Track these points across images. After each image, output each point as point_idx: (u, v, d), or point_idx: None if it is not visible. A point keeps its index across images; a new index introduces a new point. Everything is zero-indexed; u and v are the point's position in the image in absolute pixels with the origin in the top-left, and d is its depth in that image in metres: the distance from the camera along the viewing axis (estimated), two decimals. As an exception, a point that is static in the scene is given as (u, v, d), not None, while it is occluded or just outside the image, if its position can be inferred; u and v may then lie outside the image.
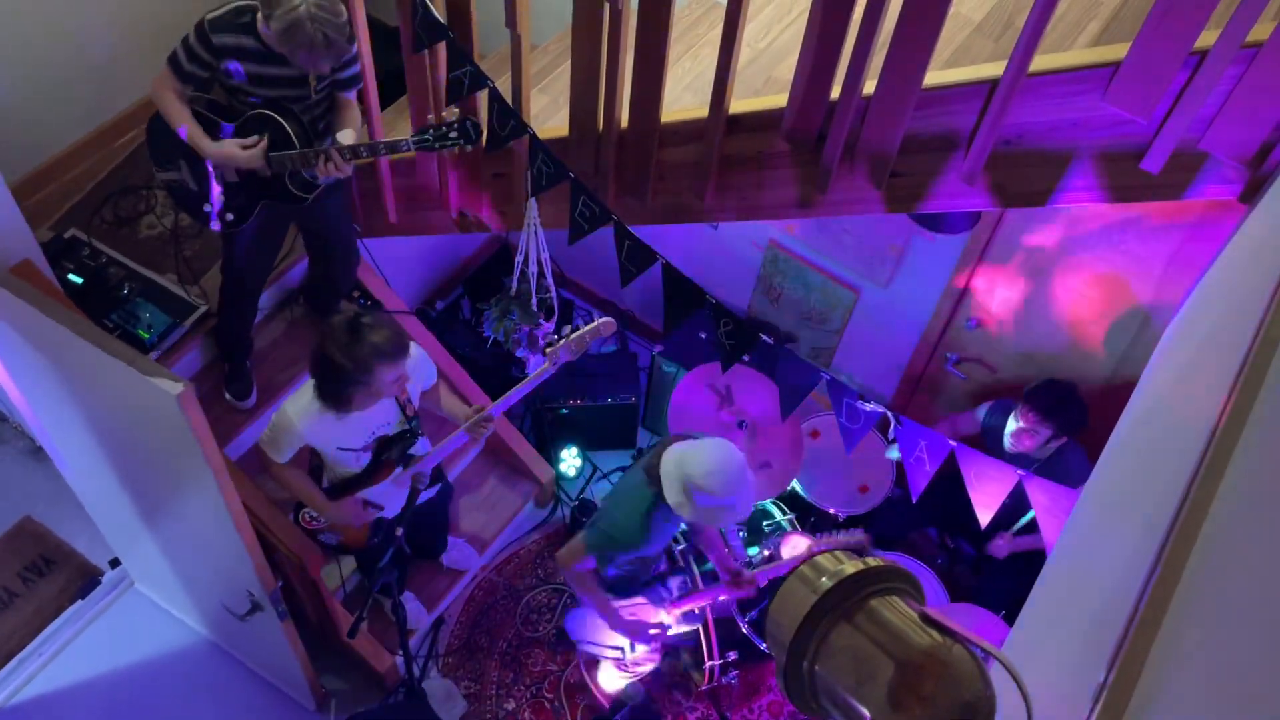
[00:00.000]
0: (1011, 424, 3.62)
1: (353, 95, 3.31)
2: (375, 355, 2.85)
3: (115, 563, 4.35)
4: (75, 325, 2.77)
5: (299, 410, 3.07)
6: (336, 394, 2.97)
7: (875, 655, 1.09)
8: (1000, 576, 4.01)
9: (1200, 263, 3.13)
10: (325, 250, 3.85)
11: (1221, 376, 1.78)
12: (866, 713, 1.08)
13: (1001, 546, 3.81)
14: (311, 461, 3.39)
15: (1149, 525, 1.58)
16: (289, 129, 3.16)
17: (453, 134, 3.03)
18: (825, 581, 1.13)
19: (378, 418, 3.20)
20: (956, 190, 2.73)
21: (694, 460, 3.12)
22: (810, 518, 4.25)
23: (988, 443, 3.97)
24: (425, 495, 3.52)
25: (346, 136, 3.20)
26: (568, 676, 4.23)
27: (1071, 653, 1.72)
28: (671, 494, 3.13)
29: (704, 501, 3.06)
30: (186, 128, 3.18)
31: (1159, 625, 1.23)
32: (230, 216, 3.39)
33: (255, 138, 3.18)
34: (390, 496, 3.45)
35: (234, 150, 3.18)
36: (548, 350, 3.18)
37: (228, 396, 4.01)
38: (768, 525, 4.14)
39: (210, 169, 3.30)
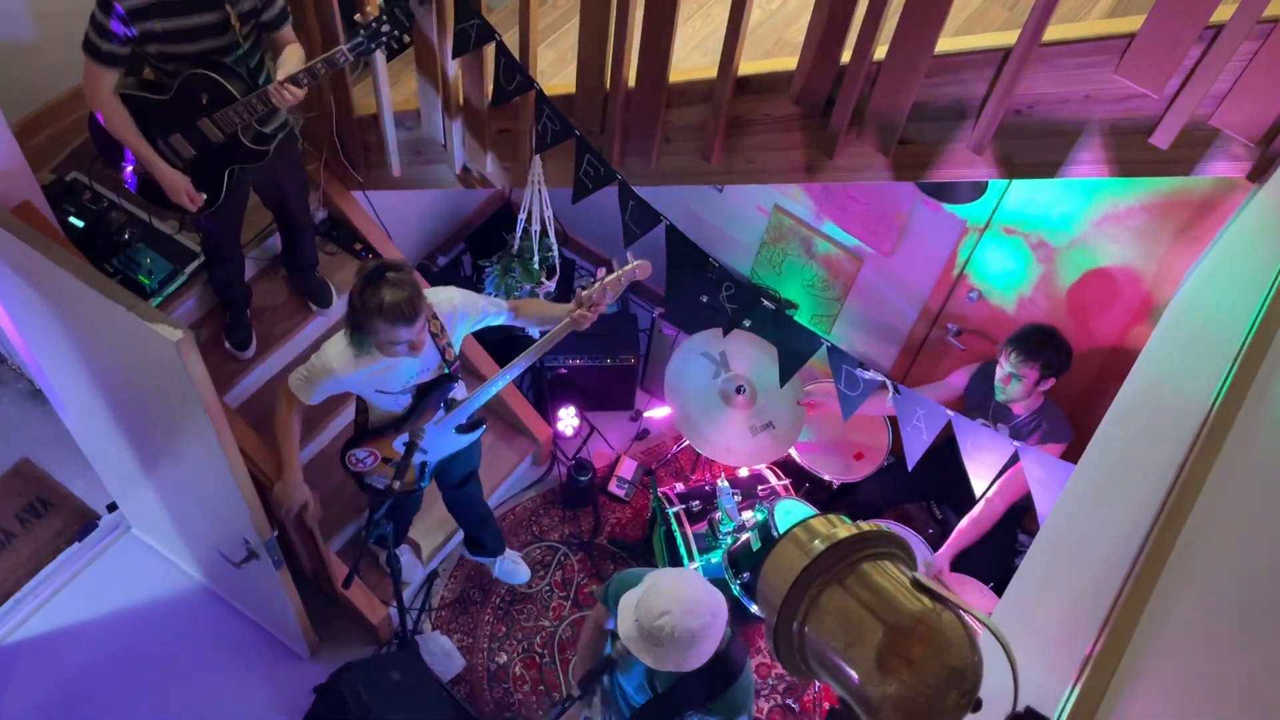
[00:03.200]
0: (1000, 370, 3.68)
1: (287, 31, 3.21)
2: (379, 311, 2.86)
3: (112, 507, 4.38)
4: (76, 268, 2.76)
5: (337, 354, 3.07)
6: (356, 331, 2.99)
7: (865, 618, 1.10)
8: (988, 547, 4.04)
9: (1204, 240, 3.12)
10: (287, 214, 3.83)
11: (1222, 354, 1.78)
12: (855, 675, 1.09)
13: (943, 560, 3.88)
14: (358, 404, 3.41)
15: (1143, 500, 1.59)
16: (229, 86, 3.11)
17: (385, 27, 2.98)
18: (818, 544, 1.14)
19: (415, 363, 3.18)
20: (964, 159, 2.71)
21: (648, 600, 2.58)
22: (804, 484, 4.27)
23: (969, 403, 3.98)
24: (469, 439, 3.53)
25: (284, 70, 3.10)
26: (560, 633, 4.27)
27: (1059, 624, 1.73)
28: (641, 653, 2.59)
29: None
30: (129, 143, 3.17)
31: (1147, 599, 1.24)
32: (204, 196, 3.36)
33: (202, 196, 3.28)
34: (432, 438, 3.43)
35: (181, 188, 3.25)
36: (582, 294, 3.10)
37: (227, 346, 4.01)
38: (762, 489, 4.16)
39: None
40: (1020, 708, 1.05)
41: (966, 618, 1.12)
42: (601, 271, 3.10)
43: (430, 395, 3.29)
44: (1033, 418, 3.74)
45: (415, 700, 3.68)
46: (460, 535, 4.33)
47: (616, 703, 2.99)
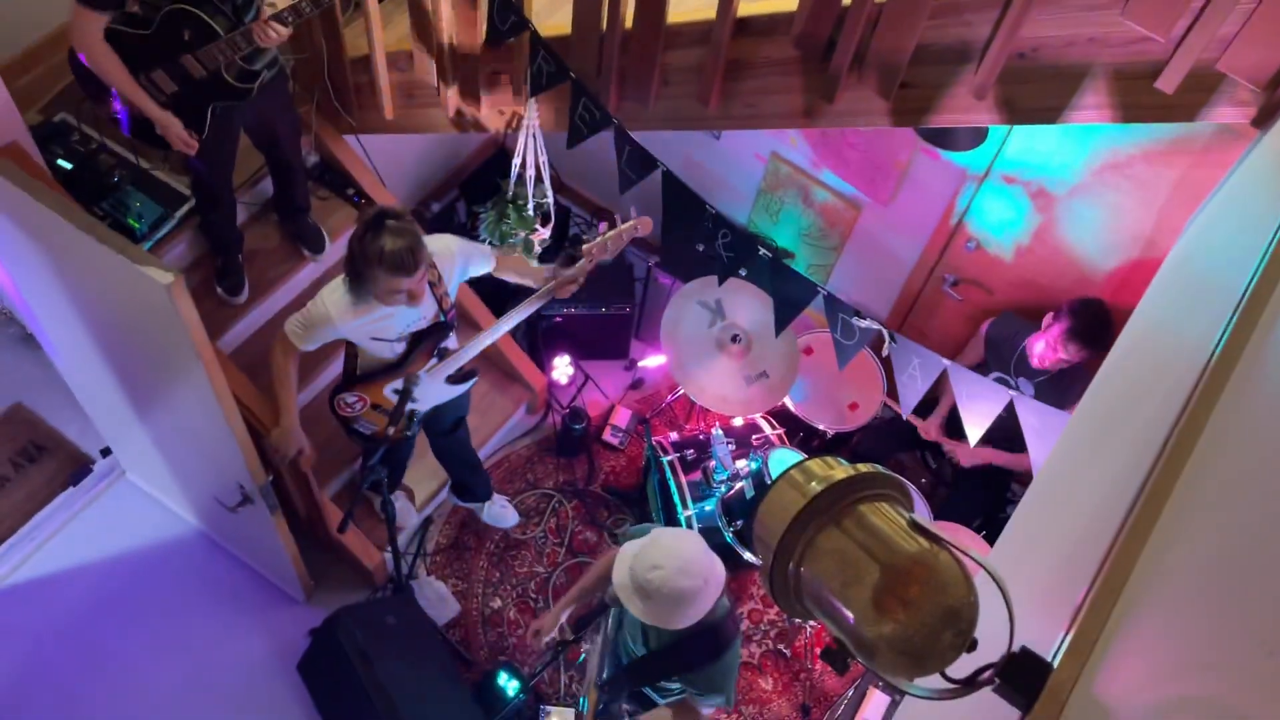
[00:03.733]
0: (1042, 350, 3.66)
1: None
2: (379, 259, 2.84)
3: (106, 451, 4.37)
4: (65, 211, 2.72)
5: (335, 301, 3.05)
6: (355, 280, 2.97)
7: (862, 559, 1.10)
8: (971, 490, 4.08)
9: (1205, 188, 3.09)
10: (278, 155, 3.78)
11: (1222, 303, 1.77)
12: (851, 615, 1.09)
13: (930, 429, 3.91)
14: (347, 349, 3.39)
15: (1139, 448, 1.58)
16: (212, 23, 3.06)
17: None
18: (814, 485, 1.14)
19: (413, 312, 3.17)
20: (966, 104, 2.68)
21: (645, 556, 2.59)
22: (799, 433, 4.28)
23: (990, 358, 3.98)
24: (452, 391, 3.52)
25: (271, 7, 3.07)
26: (555, 579, 4.30)
27: (1054, 571, 1.74)
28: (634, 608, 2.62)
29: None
30: (120, 88, 3.11)
31: (1143, 545, 1.24)
32: (198, 141, 3.31)
33: (196, 142, 3.24)
34: (424, 387, 3.42)
35: (175, 129, 3.20)
36: (585, 247, 3.11)
37: (220, 291, 3.98)
38: (757, 439, 4.16)
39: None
40: (1016, 648, 1.05)
41: (963, 559, 1.12)
42: (603, 226, 3.08)
43: (424, 343, 3.28)
44: (1061, 374, 3.71)
45: (410, 644, 3.71)
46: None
47: (615, 650, 3.01)
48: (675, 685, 2.89)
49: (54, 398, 4.34)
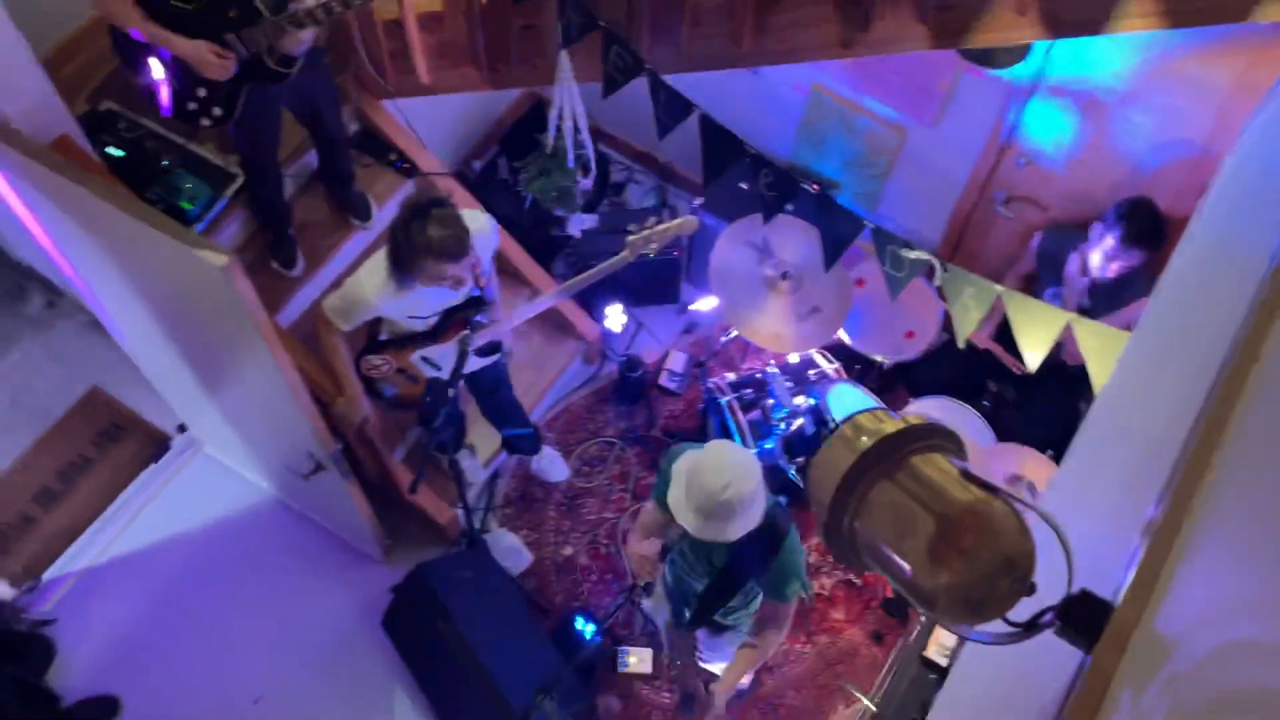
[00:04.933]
0: (1099, 250, 3.57)
1: None
2: (426, 247, 2.93)
3: (182, 428, 4.51)
4: (119, 201, 2.79)
5: (375, 285, 3.14)
6: (399, 267, 3.05)
7: (915, 511, 1.10)
8: (1037, 410, 4.03)
9: (1264, 87, 2.98)
10: (321, 129, 3.81)
11: None
12: (907, 567, 1.10)
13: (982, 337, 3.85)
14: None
15: (1203, 359, 1.55)
16: (258, 4, 3.06)
17: None
18: (865, 440, 1.14)
19: (450, 291, 3.24)
20: (1007, 21, 2.61)
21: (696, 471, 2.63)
22: (856, 365, 4.26)
23: (1040, 268, 3.91)
24: (480, 363, 3.57)
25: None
26: (623, 524, 4.37)
27: (1121, 491, 1.72)
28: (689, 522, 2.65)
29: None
30: (142, 28, 3.06)
31: (1212, 457, 1.22)
32: (218, 111, 3.33)
33: (231, 56, 3.13)
34: (450, 357, 3.49)
35: (207, 55, 3.10)
36: (630, 239, 3.18)
37: (275, 265, 4.06)
38: (813, 374, 4.15)
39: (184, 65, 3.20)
40: (1075, 590, 1.06)
41: (1017, 502, 1.12)
42: (651, 220, 3.15)
43: (457, 316, 3.37)
44: (1124, 278, 3.63)
45: (488, 595, 3.81)
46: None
47: (678, 597, 3.07)
48: (738, 604, 3.00)
49: (127, 378, 4.48)
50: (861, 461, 1.13)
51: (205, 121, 3.37)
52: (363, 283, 3.14)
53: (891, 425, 1.16)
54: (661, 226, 3.15)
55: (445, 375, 3.57)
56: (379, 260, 3.13)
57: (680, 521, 2.64)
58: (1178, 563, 1.05)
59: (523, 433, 4.21)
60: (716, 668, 3.41)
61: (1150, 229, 3.46)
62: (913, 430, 1.15)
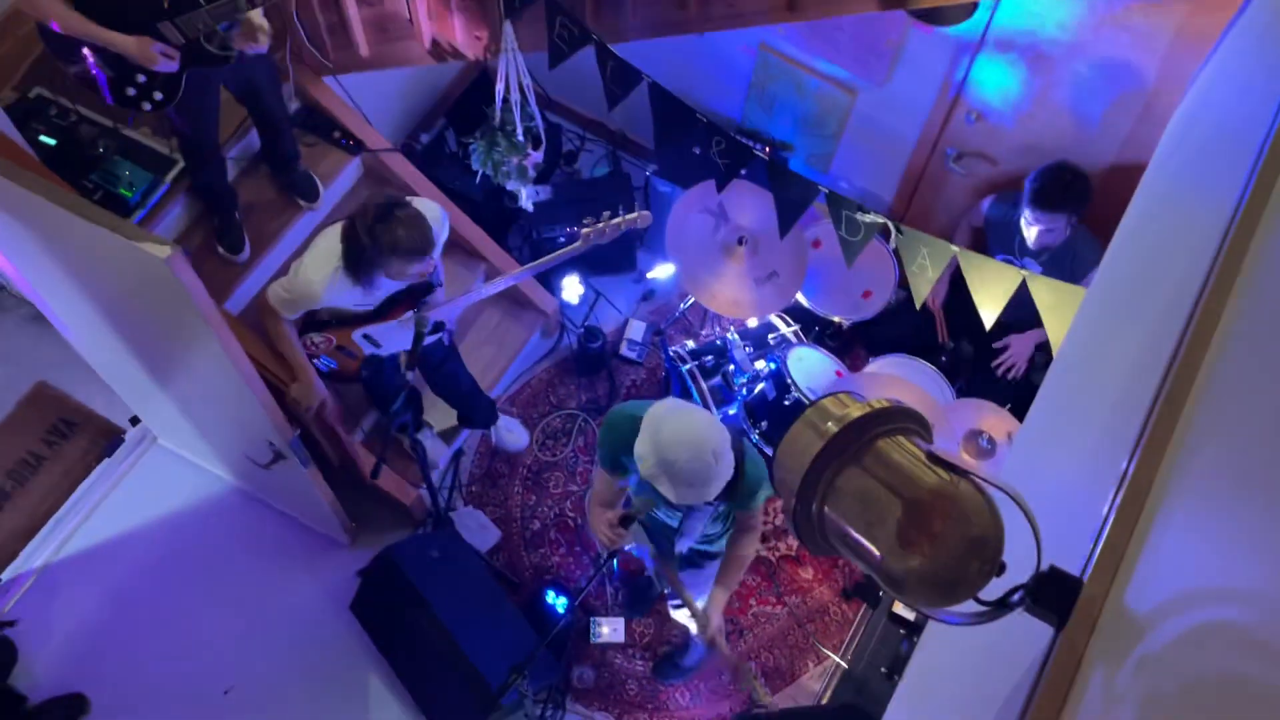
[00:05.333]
0: (1028, 229, 3.63)
1: None
2: (393, 247, 2.97)
3: (135, 420, 4.42)
4: (51, 194, 2.69)
5: (323, 279, 3.12)
6: (358, 266, 3.07)
7: (884, 496, 1.10)
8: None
9: (1210, 36, 2.99)
10: (261, 109, 3.73)
11: (1240, 158, 1.72)
12: (877, 552, 1.10)
13: (1019, 354, 3.91)
14: None
15: (1168, 309, 1.56)
16: None
17: None
18: (831, 426, 1.13)
19: (400, 282, 3.26)
20: (954, -19, 2.58)
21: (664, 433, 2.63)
22: (814, 327, 4.27)
23: (990, 237, 3.95)
24: (429, 340, 3.55)
25: None
26: (589, 496, 4.36)
27: (1090, 444, 1.73)
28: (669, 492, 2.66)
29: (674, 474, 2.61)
30: (78, 26, 2.98)
31: (1183, 406, 1.22)
32: (159, 96, 3.25)
33: (176, 51, 3.09)
34: (392, 335, 3.48)
35: (150, 52, 3.05)
36: (584, 231, 3.24)
37: (221, 251, 3.97)
38: (773, 338, 4.16)
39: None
40: (1045, 566, 1.06)
41: (983, 482, 1.12)
42: (606, 214, 3.23)
43: (402, 297, 3.36)
44: (1064, 249, 3.69)
45: (457, 573, 3.80)
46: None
47: (657, 531, 3.08)
48: (717, 531, 3.07)
49: (76, 372, 4.36)
50: (828, 448, 1.12)
51: (146, 106, 3.28)
52: (311, 279, 3.10)
53: (857, 409, 1.14)
54: (616, 220, 3.21)
55: (384, 352, 3.57)
56: (324, 253, 3.09)
57: (660, 491, 2.65)
58: (1145, 536, 1.05)
59: (477, 404, 4.18)
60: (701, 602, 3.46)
61: (1059, 191, 3.50)
62: (878, 414, 1.15)
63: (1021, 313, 3.00)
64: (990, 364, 4.04)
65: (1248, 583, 0.80)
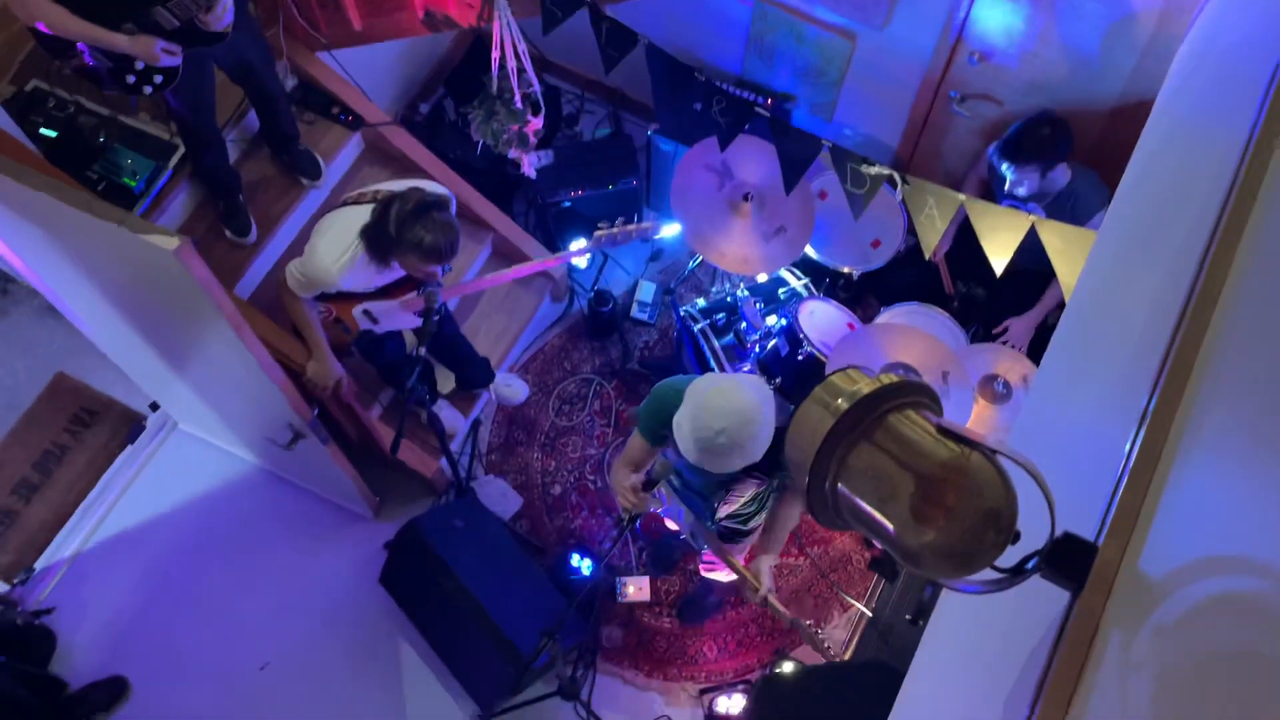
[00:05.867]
0: (1007, 176, 3.60)
1: None
2: (418, 246, 3.02)
3: (155, 406, 4.46)
4: (55, 190, 2.69)
5: (340, 266, 3.14)
6: (381, 250, 3.11)
7: (896, 472, 1.10)
8: (1009, 307, 4.06)
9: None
10: (256, 87, 3.73)
11: (1252, 84, 1.69)
12: (891, 527, 1.10)
13: (1019, 338, 3.90)
14: None
15: (1183, 247, 1.54)
16: None
17: None
18: (841, 403, 1.13)
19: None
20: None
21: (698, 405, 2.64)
22: (825, 279, 4.25)
23: (995, 182, 3.92)
24: (416, 321, 3.58)
25: None
26: (607, 458, 4.39)
27: (1106, 387, 1.72)
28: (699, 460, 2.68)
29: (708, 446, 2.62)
30: (83, 36, 3.03)
31: (1201, 344, 1.21)
32: (159, 79, 3.27)
33: (178, 47, 3.13)
34: (391, 314, 3.50)
35: (154, 51, 3.09)
36: (597, 234, 3.34)
37: (228, 234, 3.97)
38: (784, 292, 4.14)
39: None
40: (1059, 533, 1.07)
41: (995, 453, 1.12)
42: (620, 220, 3.36)
43: (409, 280, 3.39)
44: (1066, 193, 3.65)
45: (482, 541, 3.84)
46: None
47: (697, 500, 3.10)
48: (752, 509, 3.09)
49: (93, 361, 4.42)
50: (838, 426, 1.12)
51: (147, 89, 3.29)
52: (328, 266, 3.13)
53: (866, 385, 1.14)
54: (629, 227, 3.34)
55: (380, 329, 3.61)
56: (339, 237, 3.10)
57: (681, 449, 2.67)
58: (1160, 497, 1.05)
59: (473, 365, 4.21)
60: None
61: (1030, 144, 3.49)
62: (887, 389, 1.14)
63: (1030, 257, 2.98)
64: (1002, 300, 4.04)
65: (1264, 551, 0.80)
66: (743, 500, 3.04)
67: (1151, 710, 0.89)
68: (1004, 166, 3.56)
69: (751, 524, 3.19)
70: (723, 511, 3.11)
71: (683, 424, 2.66)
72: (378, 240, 3.07)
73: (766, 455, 2.73)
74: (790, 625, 3.06)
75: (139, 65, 3.20)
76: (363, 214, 3.12)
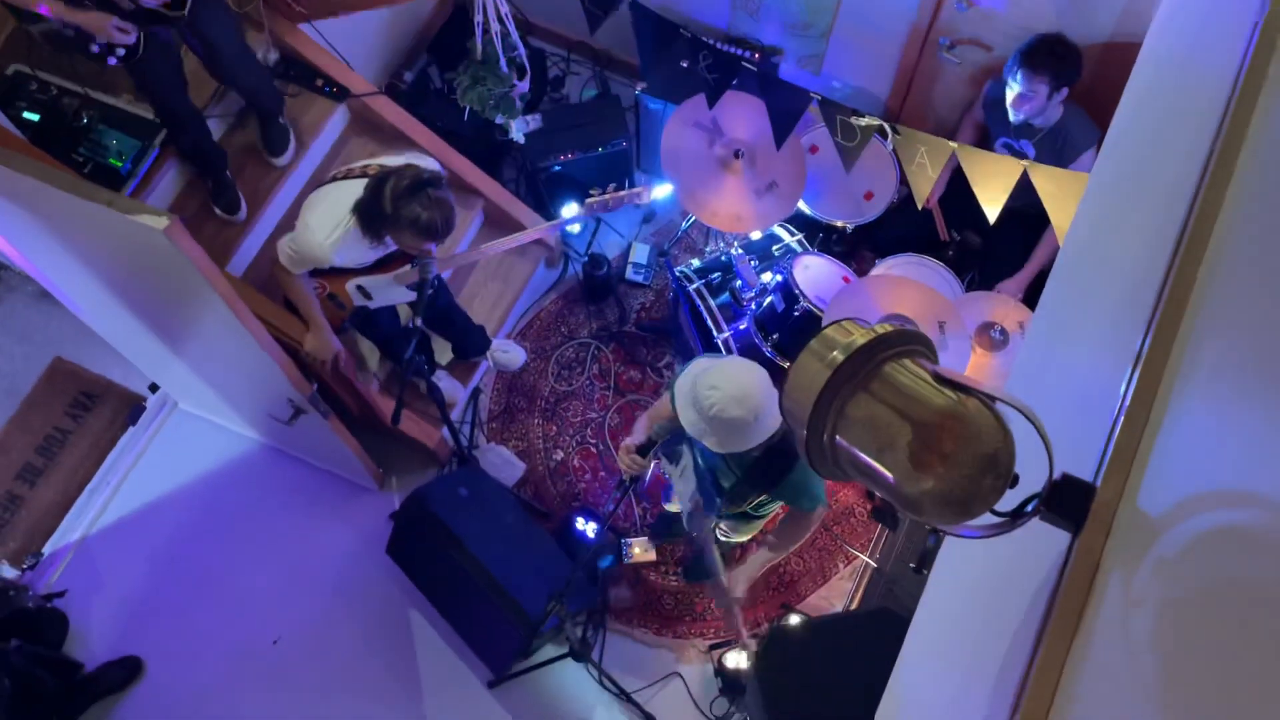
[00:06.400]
0: (1010, 91, 3.58)
1: None
2: (414, 223, 3.01)
3: (154, 387, 4.47)
4: (41, 173, 2.67)
5: (333, 241, 3.15)
6: (374, 227, 3.11)
7: (893, 421, 1.11)
8: (1005, 253, 4.06)
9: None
10: (226, 70, 3.70)
11: (1242, 17, 1.68)
12: (890, 476, 1.11)
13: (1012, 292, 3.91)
14: None
15: (1175, 185, 1.54)
16: None
17: None
18: (836, 355, 1.13)
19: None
20: None
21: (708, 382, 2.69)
22: (818, 234, 4.23)
23: (990, 119, 3.90)
24: (410, 295, 3.58)
25: None
26: (609, 421, 4.40)
27: (1102, 329, 1.72)
28: (688, 422, 2.73)
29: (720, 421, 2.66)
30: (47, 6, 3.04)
31: (1195, 278, 1.21)
32: (122, 50, 3.25)
33: (132, 27, 3.13)
34: (384, 289, 3.50)
35: (107, 28, 3.10)
36: (589, 201, 3.34)
37: (218, 211, 3.95)
38: (778, 249, 4.13)
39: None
40: (1057, 475, 1.07)
41: (991, 398, 1.12)
42: (611, 186, 3.37)
43: (402, 254, 3.39)
44: (1056, 129, 3.64)
45: (487, 509, 3.87)
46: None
47: (708, 482, 3.13)
48: (765, 499, 3.09)
49: (89, 345, 4.41)
50: (835, 377, 1.13)
51: (111, 61, 3.28)
52: (319, 242, 3.13)
53: (861, 336, 1.15)
54: (621, 194, 3.33)
55: (374, 305, 3.62)
56: (331, 213, 3.10)
57: (679, 410, 2.72)
58: (1156, 435, 1.06)
59: (469, 334, 4.21)
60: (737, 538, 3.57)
61: (1046, 54, 3.46)
62: (882, 339, 1.15)
63: (1021, 201, 2.98)
64: (999, 247, 4.04)
65: (1261, 485, 0.81)
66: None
67: (1152, 644, 0.91)
68: (1016, 76, 3.51)
69: (763, 510, 3.22)
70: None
71: (682, 385, 2.69)
72: (371, 217, 3.06)
73: (768, 469, 2.80)
74: (740, 646, 3.22)
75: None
76: (354, 189, 3.11)
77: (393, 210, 3.01)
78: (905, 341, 1.16)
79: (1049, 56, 3.45)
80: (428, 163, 3.18)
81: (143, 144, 3.83)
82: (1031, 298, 3.93)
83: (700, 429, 2.68)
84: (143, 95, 3.68)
